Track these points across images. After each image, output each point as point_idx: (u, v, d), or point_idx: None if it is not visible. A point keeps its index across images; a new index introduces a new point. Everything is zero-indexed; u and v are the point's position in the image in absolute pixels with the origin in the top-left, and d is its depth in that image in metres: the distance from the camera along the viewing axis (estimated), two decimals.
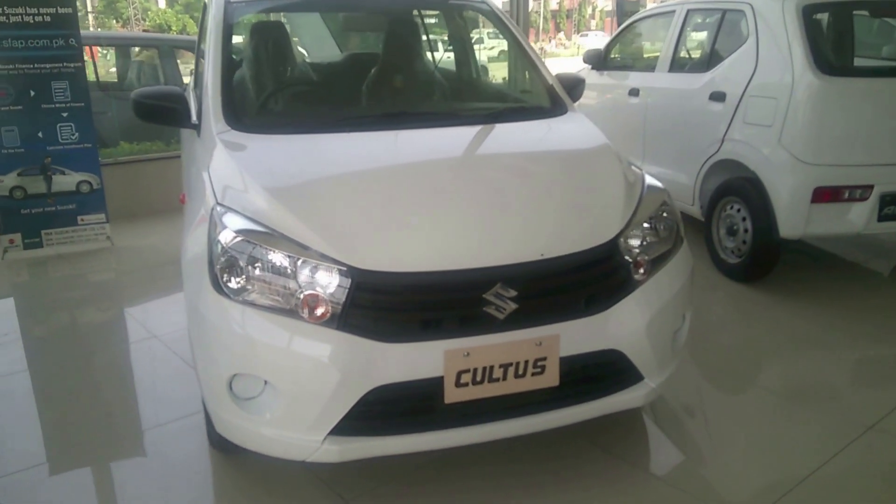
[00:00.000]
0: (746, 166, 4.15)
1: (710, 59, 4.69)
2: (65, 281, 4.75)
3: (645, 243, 2.36)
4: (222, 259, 2.12)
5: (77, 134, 4.98)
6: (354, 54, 4.56)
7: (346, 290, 2.03)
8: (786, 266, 4.44)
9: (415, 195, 2.34)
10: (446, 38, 4.05)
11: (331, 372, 2.01)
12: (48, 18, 4.75)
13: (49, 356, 3.64)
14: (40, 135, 4.88)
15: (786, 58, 3.91)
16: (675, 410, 2.96)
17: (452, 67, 4.00)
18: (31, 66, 4.78)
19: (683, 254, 2.51)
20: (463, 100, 3.58)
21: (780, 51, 3.96)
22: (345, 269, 2.04)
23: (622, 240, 2.29)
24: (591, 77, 6.08)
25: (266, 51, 3.44)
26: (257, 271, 2.08)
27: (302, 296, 2.04)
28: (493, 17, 3.52)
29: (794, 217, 3.89)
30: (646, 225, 2.40)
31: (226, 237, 2.14)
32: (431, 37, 4.15)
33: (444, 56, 4.04)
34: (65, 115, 4.92)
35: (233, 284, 2.09)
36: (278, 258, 2.08)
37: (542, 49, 37.17)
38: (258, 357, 2.07)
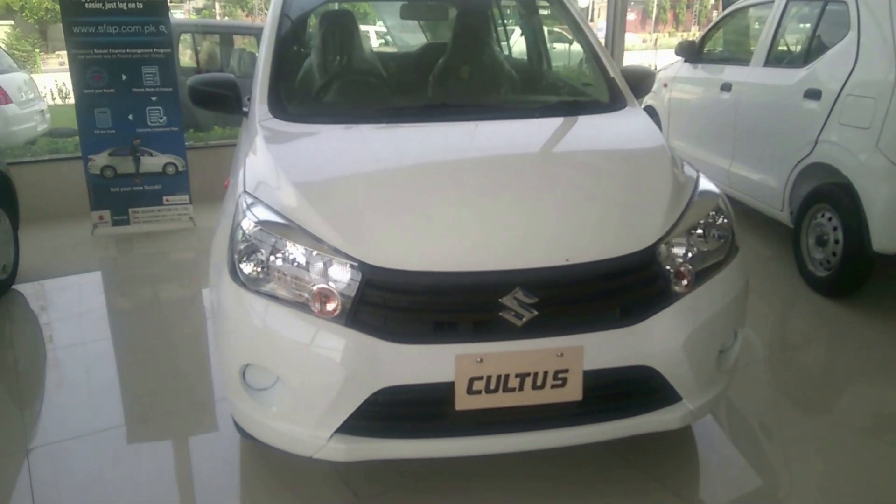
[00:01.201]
0: (840, 171, 3.80)
1: (808, 53, 4.32)
2: (149, 258, 4.97)
3: (691, 252, 2.17)
4: (241, 247, 2.11)
5: (165, 118, 5.18)
6: (430, 44, 4.50)
7: (357, 286, 1.97)
8: (878, 283, 4.05)
9: (439, 191, 2.25)
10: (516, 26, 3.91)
11: (338, 368, 1.96)
12: (140, 6, 4.95)
13: (132, 328, 3.83)
14: (130, 117, 5.11)
15: (890, 54, 3.54)
16: (739, 433, 2.73)
17: (523, 58, 3.87)
18: (124, 51, 5.00)
19: (737, 265, 2.30)
20: (520, 92, 3.44)
21: (884, 46, 3.59)
22: (356, 264, 1.98)
23: (662, 247, 2.12)
24: (684, 70, 5.77)
25: (331, 40, 3.43)
26: (273, 262, 2.06)
27: (314, 289, 2.00)
28: (557, 3, 3.36)
29: (889, 230, 3.52)
30: (696, 232, 2.21)
31: (247, 225, 2.13)
32: (500, 26, 4.02)
33: (512, 46, 3.90)
34: (154, 99, 5.12)
35: (249, 273, 2.08)
36: (294, 250, 2.04)
37: (655, 40, 35.85)
38: (268, 348, 2.05)
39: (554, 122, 2.76)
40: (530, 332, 1.97)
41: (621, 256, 2.05)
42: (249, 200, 2.22)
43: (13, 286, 4.23)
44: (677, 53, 5.83)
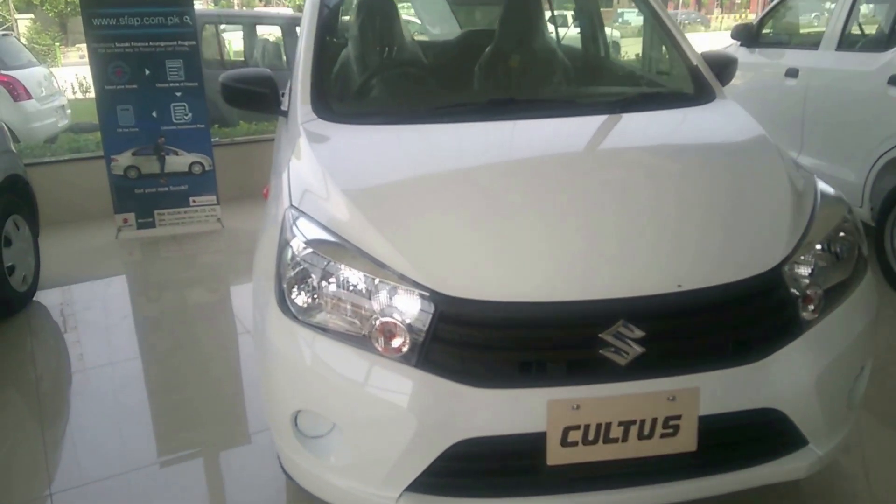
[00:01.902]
0: None
1: (891, 35, 3.93)
2: (175, 261, 4.71)
3: (817, 271, 1.84)
4: (291, 273, 1.81)
5: (190, 114, 4.90)
6: (471, 31, 4.15)
7: (429, 320, 1.65)
8: None
9: (522, 204, 1.92)
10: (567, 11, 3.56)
11: (407, 417, 1.65)
12: None
13: (160, 338, 3.58)
14: (154, 114, 4.83)
15: None
16: (844, 475, 2.40)
17: (578, 45, 3.52)
18: (147, 44, 4.71)
19: (867, 285, 1.96)
20: (588, 83, 3.10)
21: None
22: (427, 294, 1.66)
23: (787, 268, 1.78)
24: (740, 55, 5.37)
25: (370, 30, 3.09)
26: (328, 290, 1.75)
27: (377, 323, 1.69)
28: None
29: None
30: (818, 247, 1.87)
31: (297, 246, 1.83)
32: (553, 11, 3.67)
33: (567, 32, 3.55)
34: (178, 94, 4.84)
35: (300, 302, 1.77)
36: (352, 276, 1.73)
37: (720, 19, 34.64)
38: (324, 392, 1.75)
39: (639, 119, 2.41)
40: (636, 373, 1.65)
41: (743, 280, 1.72)
42: (296, 215, 1.91)
43: (35, 297, 3.98)
44: (733, 37, 5.44)
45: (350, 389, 1.71)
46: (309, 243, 1.82)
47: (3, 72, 8.23)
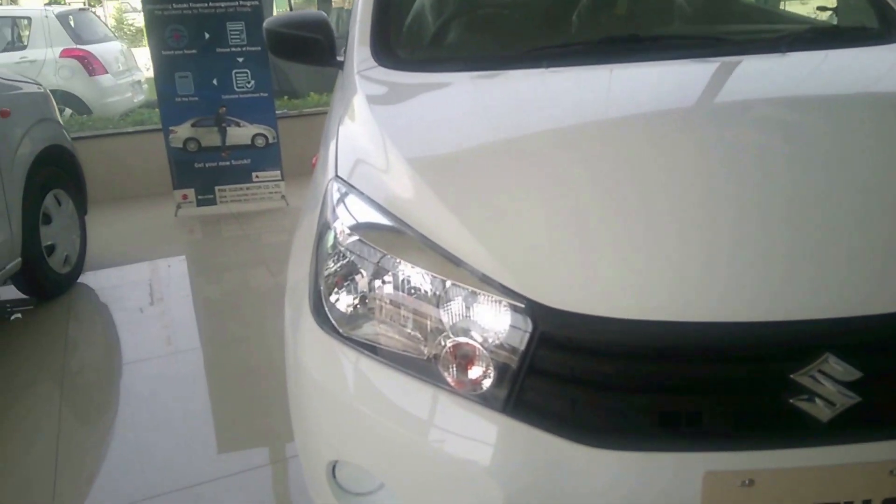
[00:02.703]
0: None
1: None
2: (237, 241, 4.35)
3: None
4: (331, 267, 1.30)
5: (253, 82, 4.48)
6: None
7: (524, 343, 1.11)
8: None
9: (661, 180, 1.30)
10: None
11: (487, 486, 1.12)
12: None
13: (220, 326, 3.20)
14: (215, 82, 4.44)
15: None
16: None
17: None
18: (206, 4, 4.31)
19: None
20: (730, 18, 2.41)
21: None
22: (523, 305, 1.12)
23: None
24: None
25: None
26: (381, 292, 1.23)
27: (448, 343, 1.16)
28: None
29: None
30: None
31: (341, 232, 1.32)
32: None
33: None
34: (240, 60, 4.43)
35: (342, 308, 1.26)
36: (414, 275, 1.21)
37: None
38: (368, 439, 1.23)
39: (814, 62, 1.76)
40: (844, 433, 1.06)
41: None
42: (343, 191, 1.40)
43: (80, 279, 3.65)
44: None
45: (404, 437, 1.19)
46: (357, 228, 1.30)
47: (78, 46, 8.10)
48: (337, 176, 1.45)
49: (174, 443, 2.30)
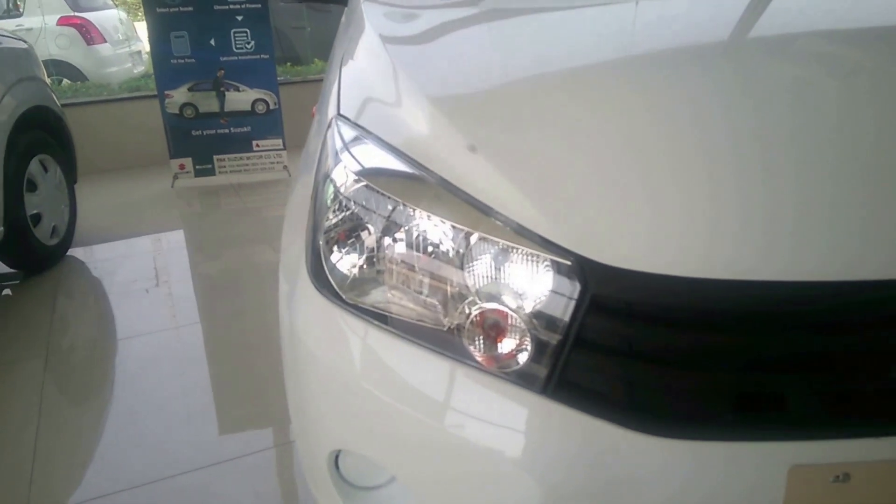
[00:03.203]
0: None
1: None
2: (237, 215, 4.12)
3: None
4: (332, 220, 1.08)
5: (253, 42, 4.24)
6: None
7: (571, 310, 0.89)
8: None
9: (731, 115, 1.02)
10: None
11: (525, 485, 0.91)
12: None
13: (218, 299, 2.99)
14: (212, 42, 4.20)
15: None
16: None
17: None
18: None
19: None
20: None
21: None
22: (569, 262, 0.89)
23: None
24: None
25: None
26: (392, 250, 1.01)
27: (474, 311, 0.95)
28: None
29: None
30: None
31: (340, 178, 1.09)
32: None
33: None
34: (239, 18, 4.18)
35: (345, 270, 1.05)
36: (433, 227, 0.99)
37: None
38: (377, 424, 1.02)
39: None
40: None
41: None
42: (347, 131, 1.17)
43: (69, 252, 3.45)
44: None
45: (421, 423, 0.97)
46: (364, 173, 1.07)
47: (76, 14, 7.84)
48: (340, 115, 1.22)
49: (170, 424, 2.10)
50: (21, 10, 7.83)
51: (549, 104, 1.08)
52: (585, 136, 1.01)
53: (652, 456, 0.87)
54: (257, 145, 4.42)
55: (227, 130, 4.35)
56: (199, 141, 4.34)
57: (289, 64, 5.58)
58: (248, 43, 4.21)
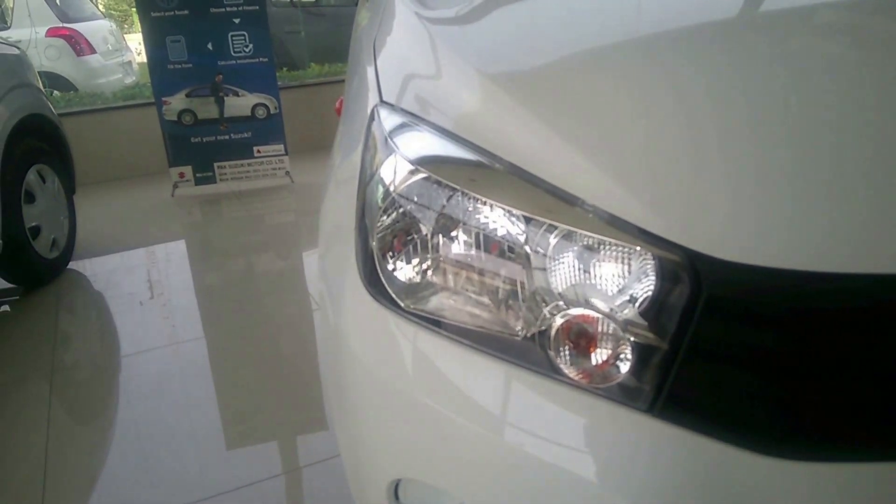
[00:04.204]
0: None
1: None
2: (240, 222, 3.99)
3: None
4: (385, 221, 0.96)
5: (251, 45, 4.12)
6: None
7: (680, 314, 0.76)
8: None
9: (856, 88, 0.89)
10: None
11: None
12: None
13: (223, 311, 2.86)
14: (210, 46, 4.07)
15: None
16: None
17: None
18: None
19: None
20: None
21: None
22: (677, 257, 0.76)
23: None
24: None
25: None
26: (454, 249, 0.89)
27: (557, 317, 0.83)
28: None
29: None
30: None
31: (394, 173, 0.97)
32: None
33: None
34: (237, 21, 4.06)
35: (403, 276, 0.93)
36: (503, 221, 0.87)
37: None
38: (445, 449, 0.90)
39: None
40: None
41: None
42: (394, 119, 1.05)
43: (70, 265, 3.31)
44: None
45: (498, 447, 0.85)
46: (421, 163, 0.94)
47: (65, 25, 7.71)
48: (382, 101, 1.10)
49: (178, 447, 1.98)
50: (8, 23, 7.69)
51: (631, 73, 0.96)
52: (682, 107, 0.89)
53: (782, 481, 0.75)
54: (258, 151, 4.29)
55: (227, 137, 4.22)
56: (199, 148, 4.21)
57: (285, 69, 5.46)
58: (247, 46, 4.09)
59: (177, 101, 4.11)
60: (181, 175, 4.24)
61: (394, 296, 0.92)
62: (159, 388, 2.28)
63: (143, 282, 3.21)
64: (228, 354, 2.50)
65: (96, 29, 8.25)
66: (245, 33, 4.06)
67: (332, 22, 6.22)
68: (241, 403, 2.17)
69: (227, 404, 2.17)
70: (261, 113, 4.22)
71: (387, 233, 0.95)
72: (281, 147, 4.32)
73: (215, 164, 4.27)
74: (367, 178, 1.03)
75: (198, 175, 4.25)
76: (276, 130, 4.28)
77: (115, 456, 1.96)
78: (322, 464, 1.88)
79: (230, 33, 4.05)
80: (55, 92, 6.84)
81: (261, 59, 4.14)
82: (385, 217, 0.95)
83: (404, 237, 0.93)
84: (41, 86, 3.29)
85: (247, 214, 4.07)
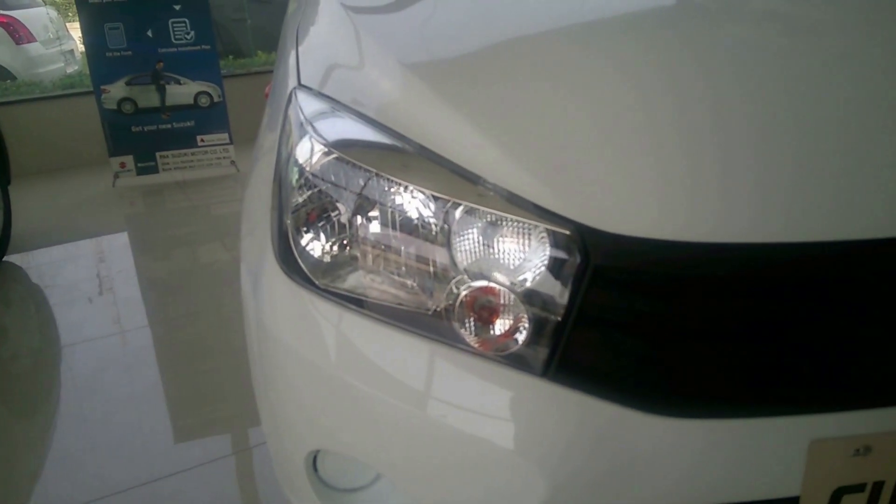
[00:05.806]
0: None
1: None
2: (184, 213, 3.95)
3: None
4: (299, 199, 0.99)
5: (193, 32, 4.06)
6: None
7: (572, 284, 0.82)
8: None
9: (741, 68, 0.94)
10: None
11: (528, 476, 0.84)
12: None
13: (169, 305, 2.82)
14: (150, 33, 4.01)
15: None
16: None
17: None
18: None
19: None
20: None
21: None
22: (568, 231, 0.82)
23: None
24: None
25: None
26: (368, 228, 0.93)
27: (462, 290, 0.87)
28: None
29: None
30: None
31: (310, 154, 1.00)
32: None
33: None
34: (177, 7, 4.00)
35: (317, 254, 0.96)
36: (412, 201, 0.90)
37: None
38: (360, 420, 0.93)
39: None
40: None
41: None
42: (310, 102, 1.07)
43: (5, 258, 3.24)
44: None
45: (410, 415, 0.89)
46: (333, 145, 0.97)
47: (3, 12, 7.47)
48: (300, 84, 1.12)
49: (124, 434, 1.98)
50: None
51: (536, 63, 1.00)
52: (577, 94, 0.94)
53: (662, 436, 0.81)
54: (202, 140, 4.25)
55: (169, 126, 4.17)
56: (140, 137, 4.15)
57: (231, 57, 5.40)
58: (188, 33, 4.04)
59: (116, 90, 4.04)
60: (122, 165, 4.17)
61: (308, 273, 0.95)
62: (100, 377, 2.27)
63: (84, 274, 3.16)
64: (172, 343, 2.49)
65: (36, 16, 8.02)
66: (186, 20, 4.01)
67: (279, 9, 6.15)
68: (186, 390, 2.18)
69: (172, 394, 2.17)
70: (204, 101, 4.17)
71: (300, 212, 0.97)
72: (225, 136, 4.28)
73: (157, 154, 4.21)
74: (283, 158, 1.05)
75: (139, 165, 4.19)
76: (220, 119, 4.24)
77: (56, 442, 1.95)
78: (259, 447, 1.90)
79: (171, 20, 3.99)
80: None
81: (203, 46, 4.09)
82: (299, 197, 0.98)
83: (318, 216, 0.96)
84: None
85: (190, 205, 4.03)
